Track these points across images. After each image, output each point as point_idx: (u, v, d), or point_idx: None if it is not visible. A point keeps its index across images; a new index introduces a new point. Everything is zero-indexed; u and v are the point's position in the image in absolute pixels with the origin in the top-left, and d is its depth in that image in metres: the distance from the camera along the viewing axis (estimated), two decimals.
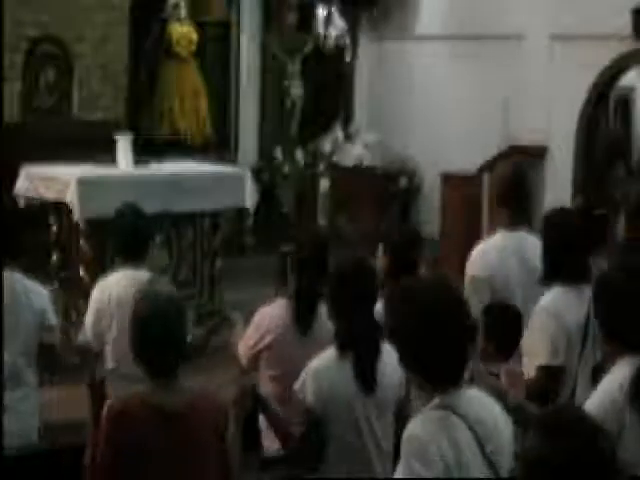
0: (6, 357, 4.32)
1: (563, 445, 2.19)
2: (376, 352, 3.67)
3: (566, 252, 4.32)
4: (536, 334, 4.21)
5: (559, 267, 4.33)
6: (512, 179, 5.20)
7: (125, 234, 4.83)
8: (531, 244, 4.85)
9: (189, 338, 4.76)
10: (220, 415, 3.37)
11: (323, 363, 3.66)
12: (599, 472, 2.18)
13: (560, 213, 4.68)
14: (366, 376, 3.64)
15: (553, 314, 4.20)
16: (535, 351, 4.20)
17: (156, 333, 3.24)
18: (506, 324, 4.30)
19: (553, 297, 4.26)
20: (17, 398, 4.37)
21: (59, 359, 4.59)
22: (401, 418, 3.76)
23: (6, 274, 4.40)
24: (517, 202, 5.06)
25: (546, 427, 2.25)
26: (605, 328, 3.58)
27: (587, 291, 4.22)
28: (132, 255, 4.78)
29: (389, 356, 3.67)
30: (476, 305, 4.57)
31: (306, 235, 5.01)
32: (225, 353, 4.99)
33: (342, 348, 3.65)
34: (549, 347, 4.17)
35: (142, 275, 4.64)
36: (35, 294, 4.50)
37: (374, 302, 3.80)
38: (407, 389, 3.82)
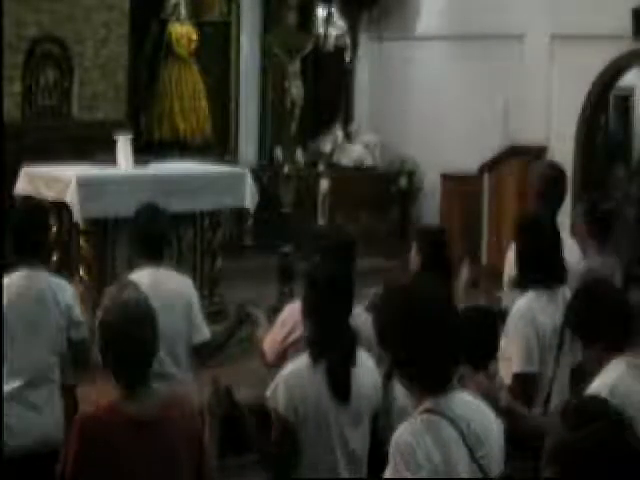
0: (34, 355, 4.35)
1: (591, 435, 2.23)
2: (350, 360, 3.61)
3: (539, 256, 4.31)
4: (510, 340, 4.20)
5: (533, 272, 4.32)
6: (544, 179, 5.22)
7: (143, 233, 4.83)
8: (567, 244, 4.81)
9: (209, 336, 4.78)
10: (194, 421, 3.29)
11: (295, 369, 3.62)
12: (626, 460, 2.22)
13: (532, 218, 4.69)
14: (339, 384, 3.57)
15: (527, 320, 4.18)
16: (509, 357, 4.20)
17: (122, 342, 3.14)
18: (479, 330, 4.20)
19: (527, 302, 4.25)
20: (44, 396, 4.39)
21: (90, 355, 4.56)
22: (378, 428, 3.70)
23: (31, 272, 4.43)
24: (553, 200, 5.07)
25: (573, 418, 2.28)
26: (584, 334, 3.62)
27: (562, 293, 4.22)
28: (152, 254, 4.77)
29: (365, 364, 3.65)
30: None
31: (332, 232, 4.99)
32: (246, 349, 4.98)
33: (315, 354, 3.60)
34: (523, 354, 4.16)
35: (161, 274, 4.65)
36: (60, 290, 4.50)
37: (350, 308, 3.76)
38: (386, 397, 3.75)
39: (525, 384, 4.15)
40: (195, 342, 4.74)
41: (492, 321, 4.32)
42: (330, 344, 3.61)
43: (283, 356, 4.32)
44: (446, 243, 4.67)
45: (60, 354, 4.46)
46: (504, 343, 4.23)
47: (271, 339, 4.38)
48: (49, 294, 4.43)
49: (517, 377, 4.16)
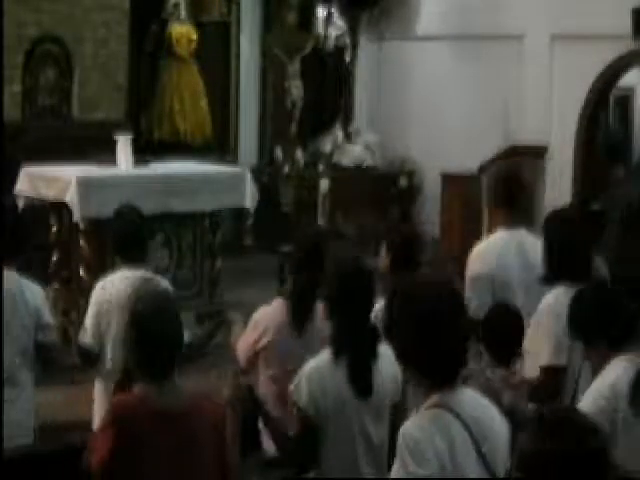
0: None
1: (555, 443, 2.20)
2: (372, 356, 3.62)
3: (567, 252, 4.33)
4: (539, 334, 4.22)
5: (561, 267, 4.34)
6: (508, 179, 5.22)
7: (124, 234, 4.84)
8: (531, 243, 4.85)
9: (189, 338, 4.77)
10: (219, 415, 3.36)
11: (317, 365, 3.63)
12: (591, 469, 2.20)
13: (561, 213, 4.68)
14: (360, 380, 3.59)
15: (556, 314, 4.20)
16: (538, 351, 4.21)
17: (154, 334, 3.21)
18: (507, 328, 4.29)
19: (555, 297, 4.26)
20: (10, 398, 4.35)
21: (57, 359, 4.57)
22: (397, 423, 3.71)
23: (1, 272, 4.39)
24: (515, 201, 5.06)
25: (540, 425, 2.27)
26: (585, 334, 3.67)
27: None
28: (131, 255, 4.78)
29: (386, 360, 3.64)
30: (476, 305, 4.59)
31: (302, 235, 5.00)
32: (224, 353, 4.98)
33: (337, 351, 3.62)
34: (552, 347, 4.17)
35: (142, 275, 4.64)
36: (30, 292, 4.48)
37: (371, 304, 3.77)
38: (404, 394, 3.77)
39: (554, 377, 4.16)
40: None
41: (518, 318, 4.34)
42: (351, 340, 3.62)
43: (254, 360, 4.33)
44: (415, 243, 4.66)
45: (27, 355, 4.44)
46: (529, 338, 4.25)
47: (243, 342, 4.38)
48: (17, 295, 4.41)
49: (546, 370, 4.17)
